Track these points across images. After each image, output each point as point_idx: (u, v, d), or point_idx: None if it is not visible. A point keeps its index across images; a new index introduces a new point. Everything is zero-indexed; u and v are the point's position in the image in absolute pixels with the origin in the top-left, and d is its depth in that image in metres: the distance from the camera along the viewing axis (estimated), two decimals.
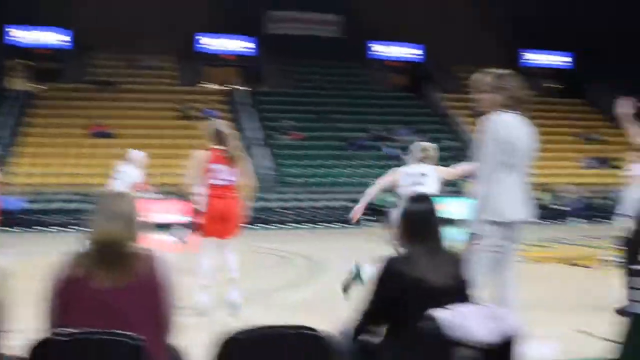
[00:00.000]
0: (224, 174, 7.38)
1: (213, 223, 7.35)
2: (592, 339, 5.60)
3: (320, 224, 23.80)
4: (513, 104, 4.45)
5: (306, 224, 23.50)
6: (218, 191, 7.38)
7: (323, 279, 10.75)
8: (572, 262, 12.48)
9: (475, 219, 4.34)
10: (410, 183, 7.91)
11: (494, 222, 4.34)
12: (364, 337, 3.27)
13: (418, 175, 8.00)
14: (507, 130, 4.37)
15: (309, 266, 12.05)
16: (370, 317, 3.25)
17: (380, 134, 30.58)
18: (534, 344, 4.56)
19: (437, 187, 7.91)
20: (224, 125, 7.65)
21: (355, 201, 26.87)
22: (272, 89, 33.82)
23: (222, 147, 7.40)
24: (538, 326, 6.49)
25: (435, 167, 8.07)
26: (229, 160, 7.39)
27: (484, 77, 4.53)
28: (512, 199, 4.41)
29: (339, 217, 24.60)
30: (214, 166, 7.37)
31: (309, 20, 36.90)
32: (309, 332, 2.64)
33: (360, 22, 35.22)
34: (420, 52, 37.73)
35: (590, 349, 5.18)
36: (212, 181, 7.35)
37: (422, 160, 8.11)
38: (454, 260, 3.41)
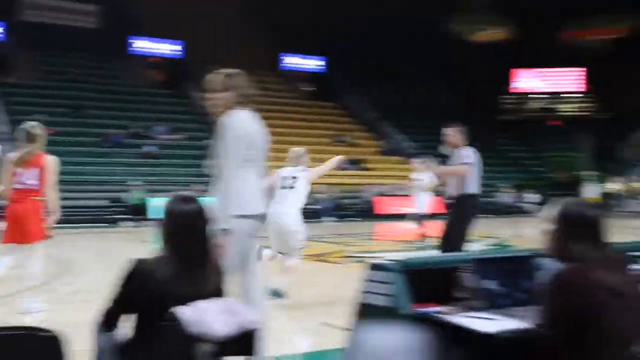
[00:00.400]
0: (25, 177, 7.18)
1: (11, 228, 7.16)
2: (336, 330, 5.91)
3: (73, 223, 22.84)
4: (244, 102, 4.64)
5: (57, 223, 22.30)
6: (17, 195, 7.17)
7: (72, 280, 10.35)
8: (322, 259, 13.07)
9: (223, 214, 4.44)
10: (283, 186, 8.30)
11: (241, 216, 4.48)
12: (110, 334, 3.20)
13: (290, 178, 8.36)
14: (244, 126, 4.56)
15: (58, 267, 11.48)
16: (114, 315, 3.18)
17: (138, 131, 30.02)
18: (279, 336, 4.73)
19: (306, 189, 8.40)
20: (35, 127, 7.34)
21: (112, 199, 26.43)
22: (22, 79, 31.81)
23: (28, 149, 7.20)
24: (287, 320, 6.74)
25: (306, 169, 8.49)
26: (32, 162, 7.17)
27: (216, 77, 4.67)
28: (255, 193, 4.61)
29: (93, 216, 23.78)
30: (17, 169, 7.17)
31: (67, 10, 35.31)
32: (39, 332, 2.57)
33: (121, 14, 34.35)
34: (179, 48, 37.57)
35: (334, 340, 5.46)
36: (14, 184, 7.16)
37: (296, 163, 8.50)
38: (213, 266, 3.32)
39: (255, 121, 4.67)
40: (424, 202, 15.72)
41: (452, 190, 8.35)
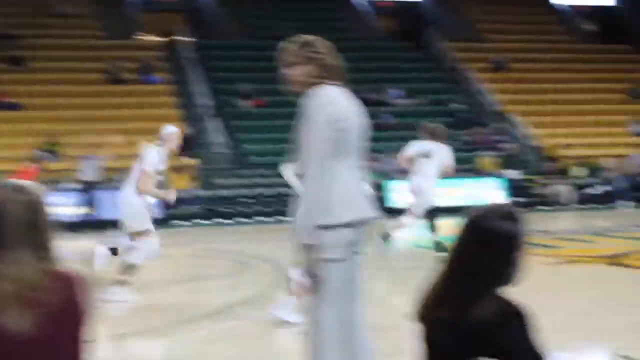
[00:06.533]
0: None
1: None
2: None
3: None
4: (330, 75, 4.44)
5: (273, 216, 23.20)
6: None
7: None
8: (615, 261, 12.47)
9: (307, 226, 4.22)
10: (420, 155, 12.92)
11: (334, 227, 4.24)
12: None
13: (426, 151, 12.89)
14: (334, 107, 4.33)
15: (276, 274, 11.72)
16: None
17: (370, 96, 30.20)
18: None
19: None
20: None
21: None
22: (224, 39, 33.20)
23: None
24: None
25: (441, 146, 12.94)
26: None
27: (289, 47, 4.54)
28: (351, 193, 4.36)
29: None
30: None
31: None
32: None
33: None
34: None
35: None
36: None
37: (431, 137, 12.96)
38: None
39: (348, 100, 4.47)
40: None
41: None
